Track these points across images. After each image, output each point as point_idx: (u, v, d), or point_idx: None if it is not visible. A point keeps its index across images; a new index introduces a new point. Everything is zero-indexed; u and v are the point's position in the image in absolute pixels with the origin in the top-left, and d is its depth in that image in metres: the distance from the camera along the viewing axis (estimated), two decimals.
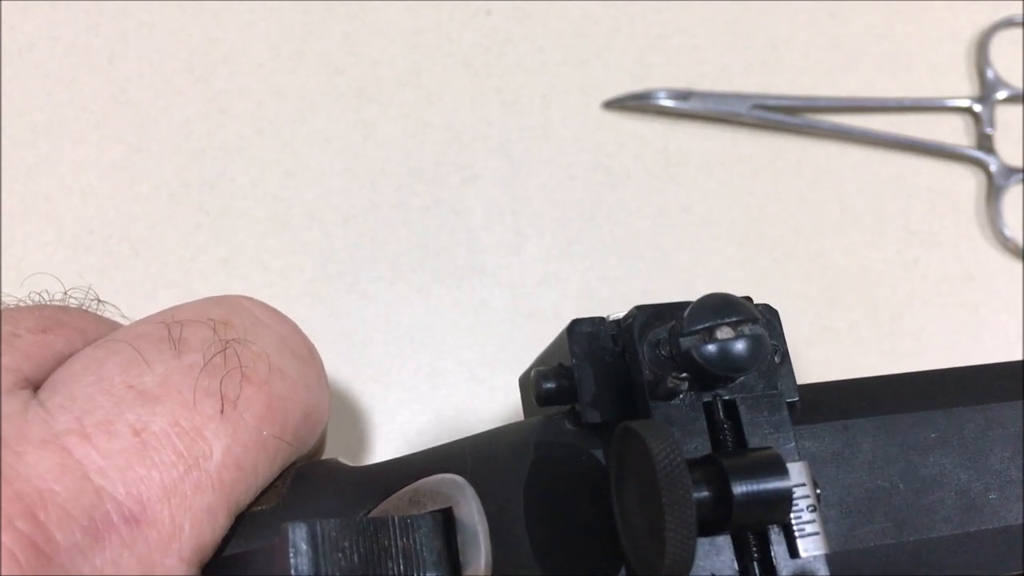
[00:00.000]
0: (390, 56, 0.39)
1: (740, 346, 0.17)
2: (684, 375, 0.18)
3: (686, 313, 0.18)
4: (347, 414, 0.34)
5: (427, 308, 0.35)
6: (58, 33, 0.38)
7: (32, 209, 0.36)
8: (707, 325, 0.18)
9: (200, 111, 0.37)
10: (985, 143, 0.40)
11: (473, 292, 0.36)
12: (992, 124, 0.40)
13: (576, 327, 0.19)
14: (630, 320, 0.19)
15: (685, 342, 0.18)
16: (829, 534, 0.17)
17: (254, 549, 0.19)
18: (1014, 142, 0.40)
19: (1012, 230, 0.38)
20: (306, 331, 0.34)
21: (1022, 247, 0.38)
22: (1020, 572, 0.20)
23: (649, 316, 0.19)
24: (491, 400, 0.34)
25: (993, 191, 0.39)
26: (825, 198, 0.39)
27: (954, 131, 0.40)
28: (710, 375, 0.18)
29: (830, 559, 0.17)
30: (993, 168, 0.39)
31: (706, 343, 0.17)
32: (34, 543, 0.15)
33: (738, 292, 0.19)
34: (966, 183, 0.40)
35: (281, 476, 0.21)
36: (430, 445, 0.21)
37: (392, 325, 0.35)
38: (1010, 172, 0.39)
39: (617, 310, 0.20)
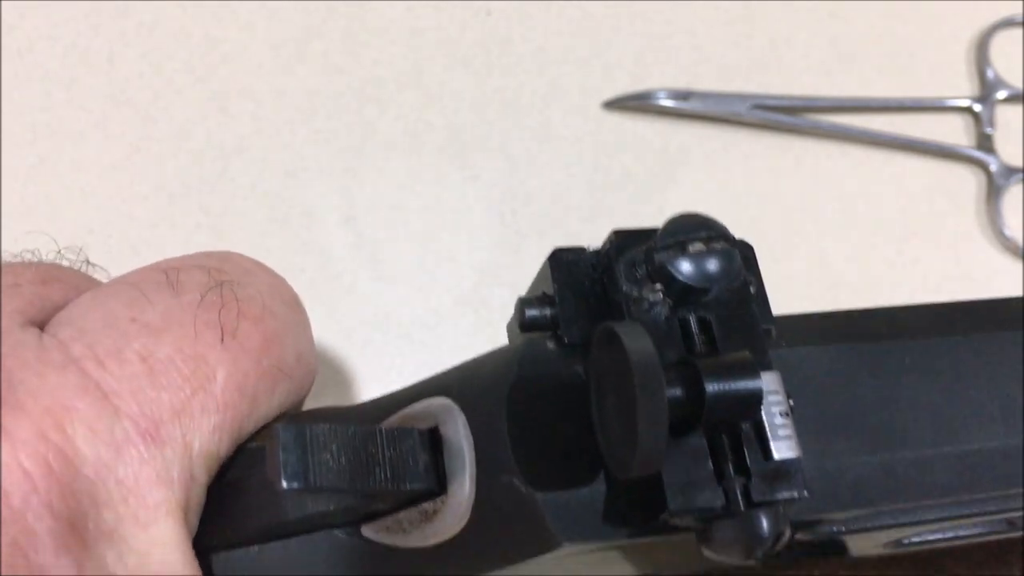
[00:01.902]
0: (390, 56, 0.39)
1: (712, 258, 0.18)
2: (659, 287, 0.18)
3: (660, 230, 0.19)
4: None
5: (427, 307, 0.35)
6: (58, 33, 0.38)
7: (32, 209, 0.36)
8: (680, 239, 0.19)
9: (200, 111, 0.37)
10: (985, 143, 0.40)
11: (473, 292, 0.36)
12: (992, 124, 0.40)
13: (558, 255, 0.20)
14: (608, 244, 0.20)
15: (659, 256, 0.19)
16: (803, 448, 0.18)
17: (249, 473, 0.19)
18: (1014, 142, 0.40)
19: (1012, 230, 0.38)
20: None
21: (1022, 247, 0.38)
22: (993, 494, 0.20)
23: (625, 239, 0.20)
24: None
25: (993, 191, 0.39)
26: (825, 198, 0.39)
27: (954, 131, 0.40)
28: (683, 287, 0.18)
29: (803, 466, 0.17)
30: (993, 168, 0.39)
31: (679, 256, 0.18)
32: (64, 454, 0.16)
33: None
34: (966, 183, 0.40)
35: (277, 419, 0.21)
36: (428, 376, 0.22)
37: (392, 325, 0.35)
38: (1010, 172, 0.39)
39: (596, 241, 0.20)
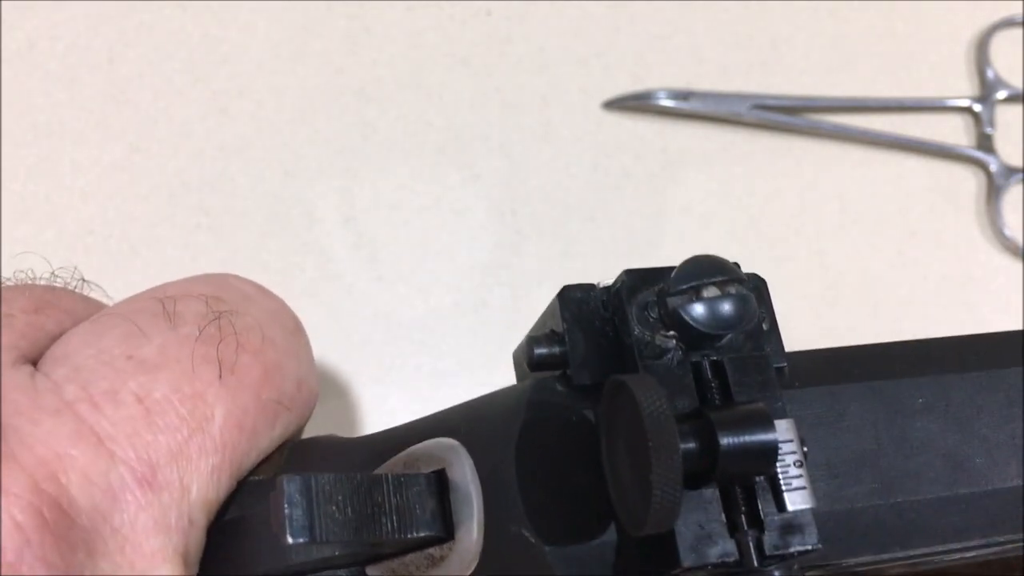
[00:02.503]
0: (390, 56, 0.39)
1: (726, 304, 0.18)
2: (672, 333, 0.18)
3: (673, 274, 0.18)
4: (347, 414, 0.34)
5: (427, 308, 0.35)
6: (58, 33, 0.38)
7: (32, 209, 0.36)
8: (693, 284, 0.18)
9: (200, 111, 0.37)
10: (985, 143, 0.40)
11: (473, 292, 0.36)
12: (992, 124, 0.40)
13: (567, 293, 0.20)
14: (619, 284, 0.19)
15: (672, 301, 0.18)
16: (816, 493, 0.18)
17: (251, 512, 0.19)
18: (1014, 142, 0.40)
19: (1012, 230, 0.38)
20: (306, 331, 0.34)
21: (1022, 247, 0.38)
22: (1007, 535, 0.20)
23: (637, 279, 0.19)
24: None
25: (993, 191, 0.39)
26: (825, 198, 0.39)
27: (954, 131, 0.40)
28: (697, 334, 0.18)
29: (817, 514, 0.17)
30: (993, 168, 0.39)
31: (693, 301, 0.18)
32: (59, 505, 0.16)
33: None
34: (966, 183, 0.40)
35: (278, 449, 0.21)
36: (432, 413, 0.21)
37: (392, 325, 0.35)
38: (1010, 172, 0.39)
39: (607, 278, 0.20)
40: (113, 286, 0.35)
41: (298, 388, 0.21)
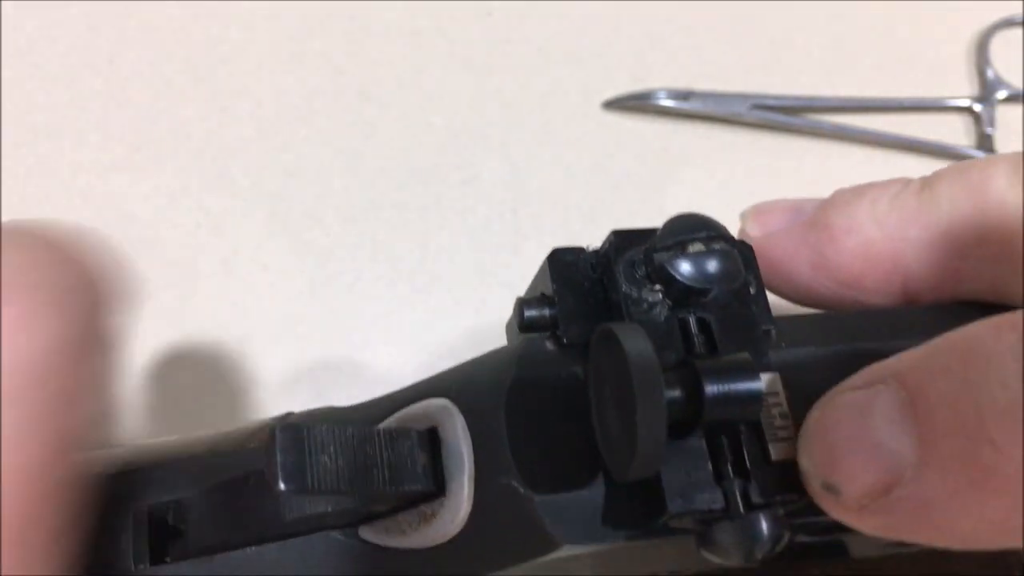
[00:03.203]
0: (390, 56, 0.39)
1: (711, 258, 0.18)
2: (658, 288, 0.18)
3: (659, 230, 0.19)
4: None
5: (427, 308, 0.35)
6: (58, 33, 0.38)
7: (32, 209, 0.36)
8: (679, 239, 0.19)
9: (200, 111, 0.37)
10: (985, 143, 0.40)
11: (473, 292, 0.36)
12: (992, 124, 0.40)
13: (556, 255, 0.20)
14: (607, 244, 0.20)
15: (659, 257, 0.18)
16: None
17: (247, 475, 0.19)
18: (1014, 142, 0.40)
19: None
20: (306, 331, 0.35)
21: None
22: None
23: (625, 239, 0.20)
24: None
25: None
26: None
27: (954, 131, 0.40)
28: (683, 288, 0.18)
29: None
30: None
31: (678, 256, 0.18)
32: None
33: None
34: None
35: (274, 420, 0.21)
36: (426, 377, 0.22)
37: (392, 325, 0.35)
38: None
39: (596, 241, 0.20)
40: None
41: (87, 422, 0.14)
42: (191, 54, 0.38)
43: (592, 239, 0.37)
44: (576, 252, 0.20)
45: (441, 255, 0.36)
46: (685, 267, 0.18)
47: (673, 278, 0.18)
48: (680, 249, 0.19)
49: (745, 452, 0.17)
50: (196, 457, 0.20)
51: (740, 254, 0.19)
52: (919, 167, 0.40)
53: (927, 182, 0.22)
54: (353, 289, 0.35)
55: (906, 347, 0.17)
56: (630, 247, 0.19)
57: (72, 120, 0.37)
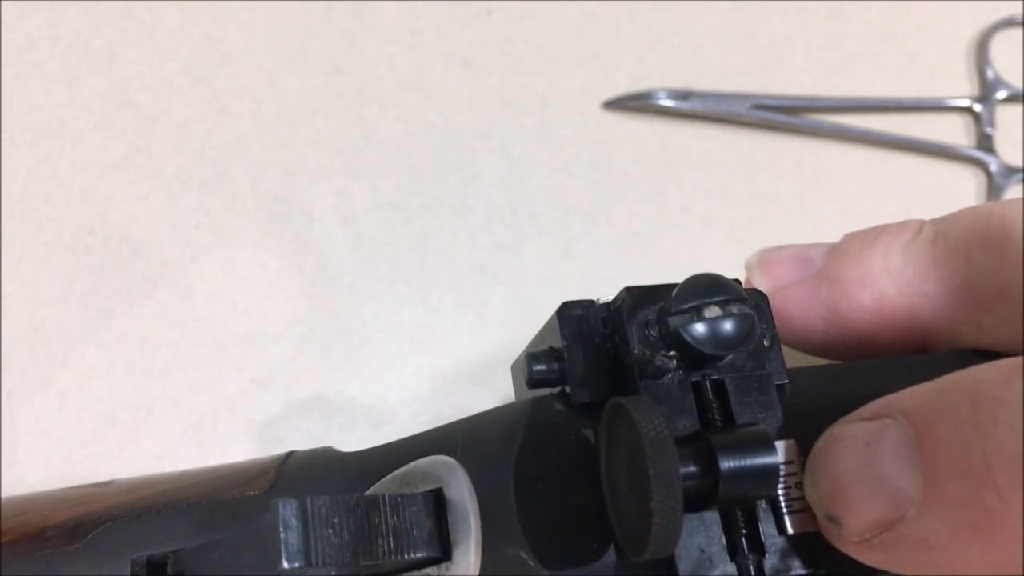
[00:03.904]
0: (390, 56, 0.39)
1: (728, 324, 0.18)
2: (672, 354, 0.18)
3: (674, 292, 0.18)
4: (347, 414, 0.34)
5: (427, 308, 0.35)
6: (58, 33, 0.38)
7: (32, 209, 0.36)
8: (695, 304, 0.18)
9: (200, 111, 0.37)
10: (985, 143, 0.40)
11: (473, 292, 0.36)
12: (992, 124, 0.40)
13: (566, 309, 0.19)
14: (619, 302, 0.19)
15: (673, 321, 0.18)
16: None
17: (246, 531, 0.19)
18: (1014, 142, 0.40)
19: None
20: (306, 331, 0.35)
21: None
22: None
23: (638, 297, 0.19)
24: (491, 400, 0.34)
25: (993, 191, 0.39)
26: (825, 198, 0.39)
27: (954, 131, 0.40)
28: (698, 354, 0.18)
29: (818, 536, 0.17)
30: (993, 168, 0.39)
31: (694, 321, 0.18)
32: None
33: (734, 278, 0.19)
34: (966, 183, 0.40)
35: (272, 463, 0.21)
36: (429, 429, 0.21)
37: (392, 325, 0.35)
38: (1010, 172, 0.39)
39: (608, 294, 0.20)
40: (113, 286, 0.35)
41: None
42: (191, 54, 0.38)
43: (592, 239, 0.37)
44: (586, 306, 0.19)
45: (441, 255, 0.36)
46: (701, 334, 0.18)
47: (688, 344, 0.18)
48: (696, 314, 0.18)
49: (760, 525, 0.17)
50: (194, 505, 0.20)
51: (754, 305, 0.19)
52: (919, 167, 0.40)
53: (940, 230, 0.21)
54: (353, 289, 0.35)
55: None
56: (643, 306, 0.19)
57: (72, 120, 0.37)
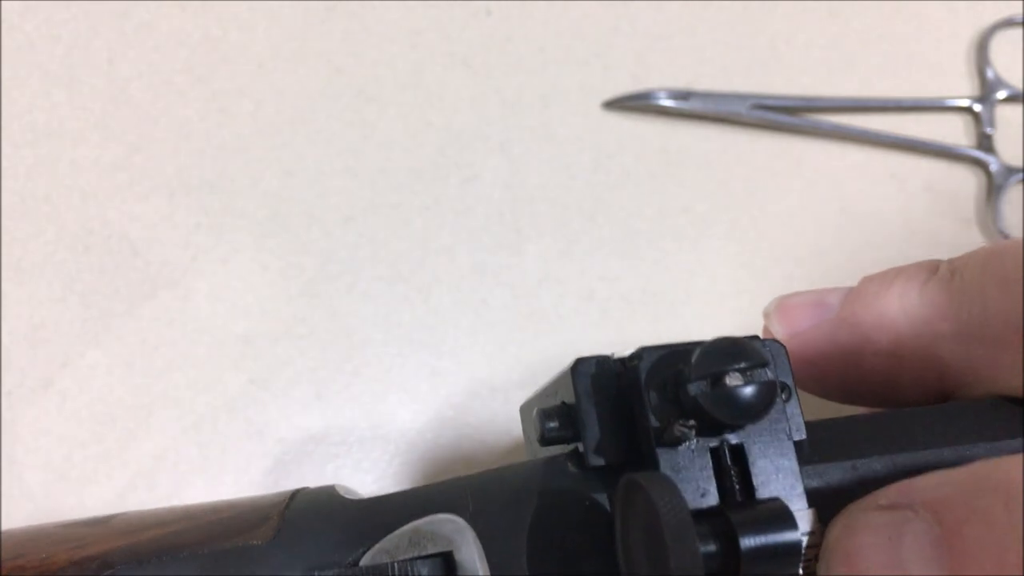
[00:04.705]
0: (390, 56, 0.39)
1: (749, 392, 0.17)
2: (692, 423, 0.17)
3: (694, 358, 0.17)
4: (347, 414, 0.34)
5: (427, 308, 0.35)
6: (58, 33, 0.38)
7: (32, 209, 0.36)
8: (715, 371, 0.17)
9: (200, 111, 0.37)
10: (985, 143, 0.40)
11: (473, 292, 0.36)
12: (992, 124, 0.40)
13: (580, 367, 0.19)
14: (635, 362, 0.18)
15: (692, 388, 0.17)
16: None
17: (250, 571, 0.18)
18: (1014, 142, 0.40)
19: (1012, 230, 0.38)
20: (306, 331, 0.35)
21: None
22: None
23: (655, 360, 0.18)
24: (491, 400, 0.34)
25: (993, 191, 0.39)
26: (825, 198, 0.39)
27: (954, 131, 0.40)
28: (718, 423, 0.17)
29: None
30: (993, 168, 0.39)
31: (714, 390, 0.17)
32: None
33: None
34: (966, 183, 0.40)
35: (275, 507, 0.20)
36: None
37: (392, 325, 0.35)
38: (1010, 172, 0.39)
39: (621, 351, 0.19)
40: (113, 286, 0.35)
41: None
42: (191, 54, 0.38)
43: (592, 239, 0.37)
44: (601, 362, 0.19)
45: (441, 255, 0.36)
46: (721, 404, 0.17)
47: (707, 414, 0.17)
48: (715, 381, 0.17)
49: None
50: (196, 553, 0.19)
51: (772, 356, 0.18)
52: (919, 167, 0.40)
53: (955, 270, 0.21)
54: (353, 289, 0.35)
55: (942, 458, 0.16)
56: (660, 369, 0.18)
57: (72, 120, 0.37)
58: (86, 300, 0.34)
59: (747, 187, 0.38)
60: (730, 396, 0.17)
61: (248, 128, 0.37)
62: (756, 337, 0.19)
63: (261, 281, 0.35)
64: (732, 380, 0.17)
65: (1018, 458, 0.15)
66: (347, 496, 0.21)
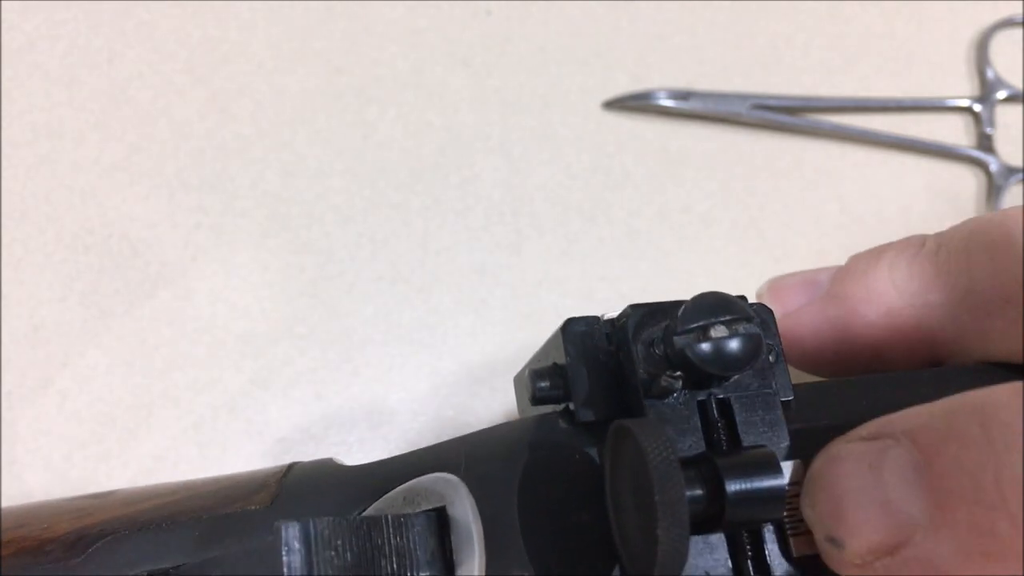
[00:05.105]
0: (390, 56, 0.39)
1: (734, 345, 0.17)
2: (678, 374, 0.18)
3: (680, 312, 0.18)
4: (347, 414, 0.34)
5: (427, 308, 0.35)
6: (58, 33, 0.38)
7: (32, 209, 0.36)
8: (701, 324, 0.18)
9: (200, 111, 0.37)
10: (985, 143, 0.40)
11: (473, 292, 0.36)
12: (992, 124, 0.40)
13: (570, 326, 0.19)
14: (624, 319, 0.19)
15: (679, 341, 0.18)
16: None
17: (247, 548, 0.19)
18: (1014, 142, 0.40)
19: None
20: (306, 331, 0.35)
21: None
22: None
23: (643, 315, 0.19)
24: (491, 400, 0.34)
25: (993, 191, 0.39)
26: (825, 198, 0.39)
27: (954, 131, 0.40)
28: (704, 374, 0.18)
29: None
30: (993, 168, 0.39)
31: (700, 342, 0.17)
32: None
33: (738, 293, 0.19)
34: (966, 183, 0.40)
35: (273, 475, 0.21)
36: (430, 445, 0.21)
37: (392, 325, 0.35)
38: (1010, 172, 0.39)
39: (612, 309, 0.20)
40: (113, 286, 0.35)
41: None
42: (191, 54, 0.38)
43: (592, 239, 0.37)
44: (591, 322, 0.19)
45: (441, 255, 0.36)
46: (707, 354, 0.17)
47: (694, 365, 0.17)
48: (702, 333, 0.18)
49: (766, 548, 0.17)
50: (196, 519, 0.20)
51: (760, 321, 0.18)
52: (919, 167, 0.40)
53: (943, 242, 0.21)
54: (353, 289, 0.35)
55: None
56: (648, 324, 0.19)
57: (72, 120, 0.37)
58: (86, 300, 0.34)
59: (747, 187, 0.38)
60: (715, 347, 0.17)
61: (248, 128, 0.37)
62: (744, 298, 0.19)
63: (261, 281, 0.35)
64: (717, 332, 0.17)
65: (996, 386, 0.15)
66: (343, 463, 0.21)
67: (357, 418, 0.34)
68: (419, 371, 0.35)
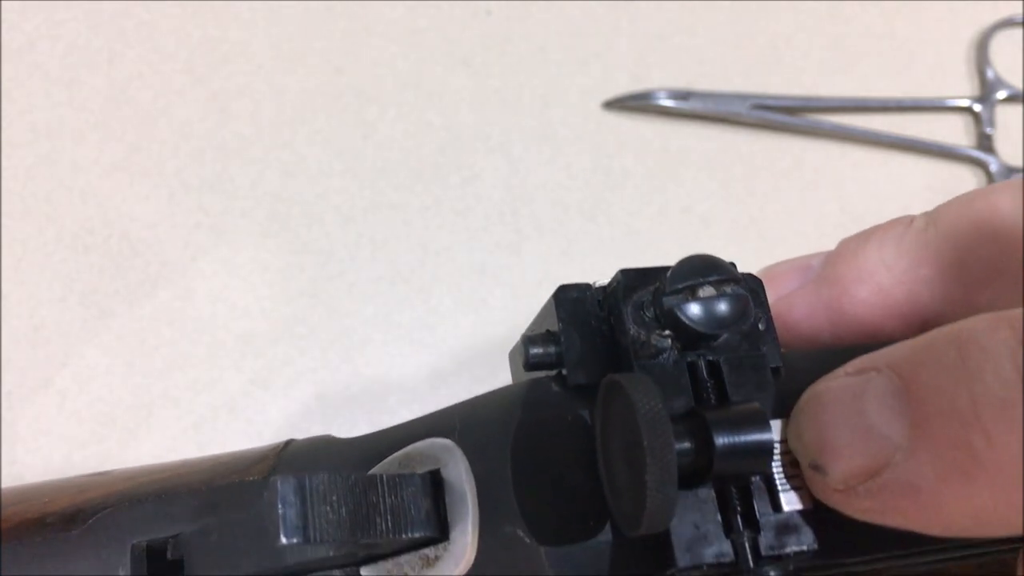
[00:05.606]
0: (390, 56, 0.39)
1: (722, 304, 0.18)
2: (667, 333, 0.18)
3: (668, 273, 0.18)
4: (347, 414, 0.34)
5: (427, 308, 0.35)
6: (58, 33, 0.38)
7: (32, 209, 0.36)
8: (689, 283, 0.18)
9: (200, 111, 0.37)
10: (985, 143, 0.40)
11: (473, 292, 0.36)
12: (992, 124, 0.40)
13: (563, 293, 0.19)
14: (615, 284, 0.19)
15: (668, 301, 0.18)
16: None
17: (245, 516, 0.19)
18: (1014, 142, 0.40)
19: None
20: (306, 331, 0.35)
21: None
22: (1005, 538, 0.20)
23: (633, 279, 0.19)
24: None
25: None
26: (825, 198, 0.39)
27: (954, 131, 0.40)
28: (693, 333, 0.18)
29: (813, 514, 0.17)
30: (993, 168, 0.39)
31: (688, 301, 0.18)
32: None
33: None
34: (966, 183, 0.40)
35: (272, 449, 0.21)
36: (426, 414, 0.21)
37: (392, 325, 0.35)
38: (1010, 172, 0.39)
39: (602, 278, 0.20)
40: (113, 286, 0.35)
41: None
42: (191, 54, 0.38)
43: (592, 239, 0.37)
44: (583, 289, 0.20)
45: (441, 255, 0.36)
46: (695, 313, 0.18)
47: (683, 323, 0.18)
48: (690, 293, 0.18)
49: (755, 503, 0.17)
50: (194, 490, 0.20)
51: (749, 289, 0.19)
52: (919, 167, 0.40)
53: (931, 218, 0.22)
54: (353, 289, 0.35)
55: None
56: (638, 287, 0.19)
57: (72, 120, 0.37)
58: (86, 300, 0.34)
59: (747, 187, 0.38)
60: (703, 306, 0.18)
61: (248, 128, 0.37)
62: (733, 264, 0.19)
63: (261, 281, 0.35)
64: (705, 292, 0.18)
65: (971, 317, 0.15)
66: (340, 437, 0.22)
67: (357, 418, 0.34)
68: (419, 371, 0.35)
